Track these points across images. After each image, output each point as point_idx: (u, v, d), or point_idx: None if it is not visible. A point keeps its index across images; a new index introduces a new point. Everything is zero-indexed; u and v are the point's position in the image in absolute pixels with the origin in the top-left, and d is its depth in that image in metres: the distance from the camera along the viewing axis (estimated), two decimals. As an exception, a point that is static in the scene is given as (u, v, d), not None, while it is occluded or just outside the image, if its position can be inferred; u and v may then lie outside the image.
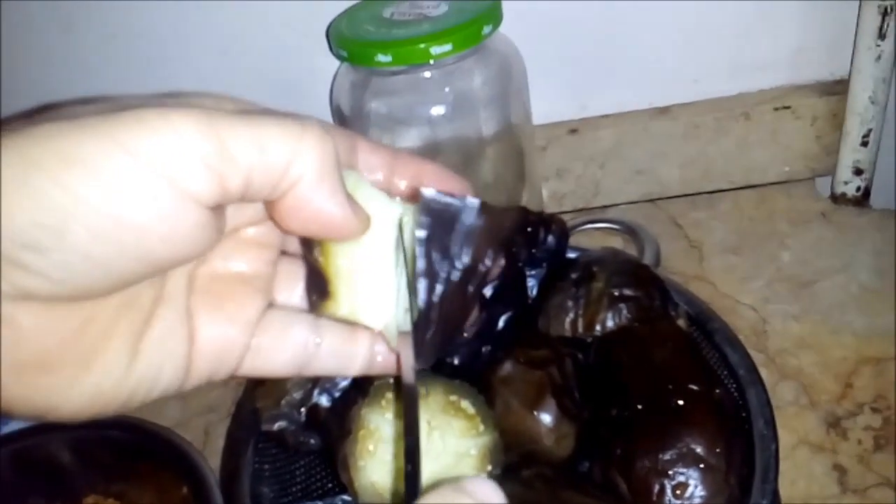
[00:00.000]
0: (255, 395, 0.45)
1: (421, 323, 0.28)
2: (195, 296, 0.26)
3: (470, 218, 0.28)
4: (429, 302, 0.28)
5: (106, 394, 0.23)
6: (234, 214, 0.26)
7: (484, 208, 0.28)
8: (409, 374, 0.28)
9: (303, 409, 0.44)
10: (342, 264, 0.28)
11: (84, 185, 0.20)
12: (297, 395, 0.44)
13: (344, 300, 0.28)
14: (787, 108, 0.71)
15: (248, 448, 0.44)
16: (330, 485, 0.48)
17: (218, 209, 0.23)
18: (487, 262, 0.29)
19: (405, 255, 0.28)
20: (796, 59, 0.71)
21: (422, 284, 0.28)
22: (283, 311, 0.28)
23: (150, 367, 0.24)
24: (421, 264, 0.27)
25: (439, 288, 0.28)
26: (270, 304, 0.28)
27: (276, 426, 0.44)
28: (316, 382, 0.44)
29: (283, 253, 0.30)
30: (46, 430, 0.56)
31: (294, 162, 0.23)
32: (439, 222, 0.27)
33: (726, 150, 0.73)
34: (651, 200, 0.75)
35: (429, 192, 0.27)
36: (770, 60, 0.71)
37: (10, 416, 0.24)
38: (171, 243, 0.22)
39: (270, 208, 0.25)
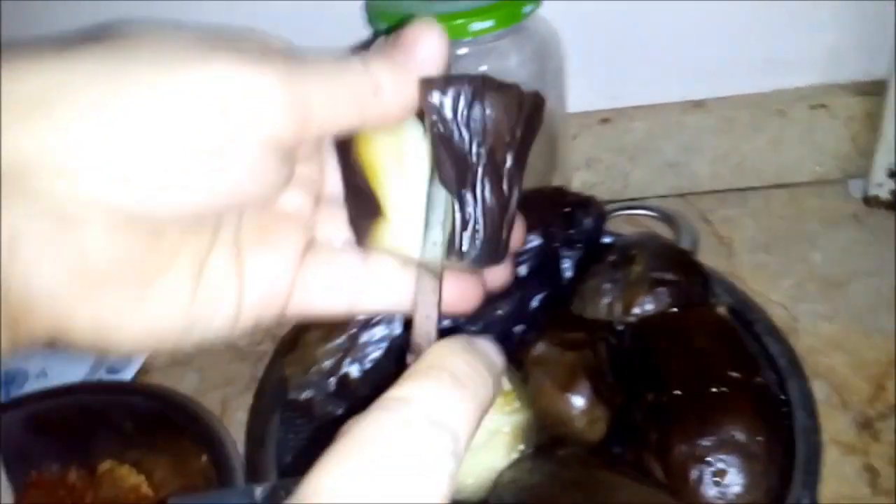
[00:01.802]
0: (283, 362, 0.44)
1: (462, 223, 0.26)
2: (241, 232, 0.26)
3: (477, 104, 0.25)
4: (462, 197, 0.26)
5: (165, 322, 0.23)
6: None
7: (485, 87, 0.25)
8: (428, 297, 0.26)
9: (332, 379, 0.43)
10: (391, 180, 0.27)
11: (172, 112, 0.21)
12: (327, 363, 0.43)
13: (393, 219, 0.27)
14: (823, 106, 0.70)
15: (275, 416, 0.43)
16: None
17: (291, 154, 0.24)
18: (507, 140, 0.26)
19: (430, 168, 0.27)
20: (833, 58, 0.70)
21: (446, 185, 0.26)
22: (328, 248, 0.28)
23: (207, 300, 0.24)
24: (442, 164, 0.26)
25: (472, 181, 0.26)
26: (313, 243, 0.28)
27: (304, 395, 0.43)
28: (347, 352, 0.43)
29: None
30: (65, 393, 0.55)
31: (368, 112, 0.24)
32: (446, 119, 0.25)
33: (759, 146, 0.72)
34: (681, 195, 0.75)
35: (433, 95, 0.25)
36: (806, 58, 0.70)
37: (74, 347, 0.22)
38: (248, 181, 0.23)
39: None
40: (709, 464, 0.38)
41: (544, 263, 0.48)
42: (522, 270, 0.48)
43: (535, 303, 0.48)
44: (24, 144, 0.20)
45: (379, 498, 0.19)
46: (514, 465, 0.41)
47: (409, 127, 0.27)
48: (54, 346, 0.22)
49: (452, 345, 0.24)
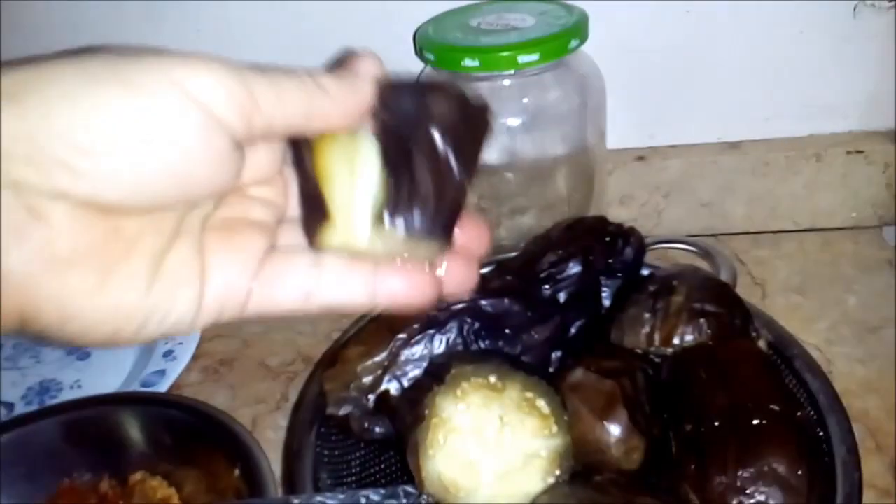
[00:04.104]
0: (323, 377, 0.44)
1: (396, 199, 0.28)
2: (207, 232, 0.28)
3: (420, 99, 0.28)
4: (399, 176, 0.28)
5: (123, 310, 0.25)
6: (244, 171, 0.28)
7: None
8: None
9: (371, 396, 0.44)
10: (338, 184, 0.28)
11: (132, 102, 0.23)
12: (367, 380, 0.44)
13: (340, 222, 0.28)
14: (860, 152, 0.70)
15: (313, 429, 0.44)
16: (384, 480, 0.48)
17: (240, 146, 0.26)
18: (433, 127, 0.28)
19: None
20: (871, 105, 0.71)
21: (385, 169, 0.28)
22: (285, 250, 0.30)
23: (165, 292, 0.26)
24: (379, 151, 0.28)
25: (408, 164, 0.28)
26: (273, 247, 0.30)
27: (343, 411, 0.44)
28: (387, 369, 0.44)
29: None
30: (100, 403, 0.56)
31: (312, 111, 0.27)
32: (392, 109, 0.28)
33: (795, 190, 0.72)
34: (713, 235, 0.75)
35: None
36: (844, 104, 0.71)
37: (39, 335, 0.24)
38: (199, 168, 0.25)
39: None
40: (748, 495, 0.38)
41: (584, 291, 0.48)
42: (562, 297, 0.48)
43: (573, 329, 0.48)
44: None
45: None
46: (549, 490, 0.41)
47: (359, 138, 0.29)
48: (24, 332, 0.24)
49: None
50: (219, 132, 0.25)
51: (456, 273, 0.30)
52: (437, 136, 0.28)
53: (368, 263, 0.29)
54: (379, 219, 0.28)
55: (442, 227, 0.28)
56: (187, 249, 0.27)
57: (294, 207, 0.31)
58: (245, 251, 0.28)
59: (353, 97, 0.27)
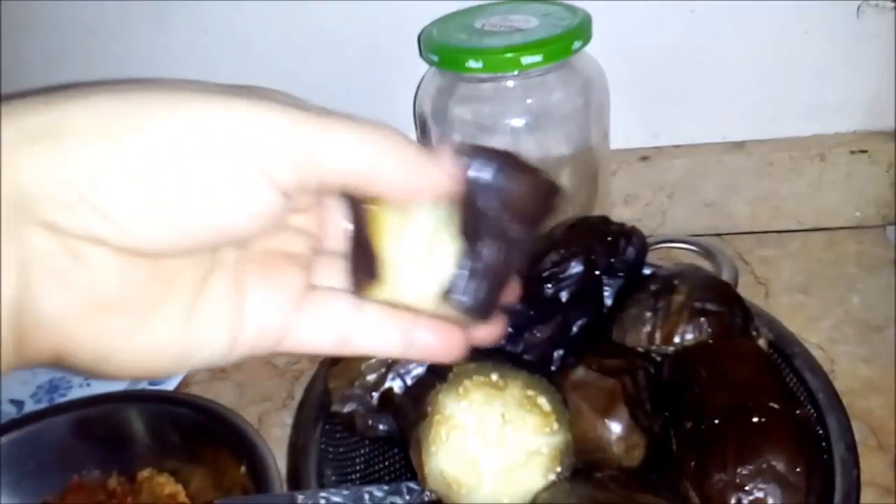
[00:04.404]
0: (328, 374, 0.45)
1: (468, 276, 0.27)
2: (245, 265, 0.27)
3: (500, 175, 0.27)
4: (470, 250, 0.27)
5: (161, 347, 0.24)
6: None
7: (508, 169, 0.27)
8: None
9: (374, 394, 0.44)
10: (395, 245, 0.27)
11: (179, 159, 0.22)
12: (371, 377, 0.44)
13: (391, 282, 0.28)
14: (864, 152, 0.70)
15: (318, 426, 0.44)
16: (388, 477, 0.48)
17: (289, 197, 0.24)
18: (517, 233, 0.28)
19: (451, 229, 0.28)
20: (874, 105, 0.71)
21: (463, 245, 0.27)
22: (324, 290, 0.29)
23: (201, 327, 0.25)
24: (461, 227, 0.27)
25: (483, 248, 0.27)
26: (311, 286, 0.29)
27: (347, 408, 0.44)
28: (390, 367, 0.44)
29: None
30: (109, 401, 0.57)
31: (374, 170, 0.24)
32: (471, 181, 0.27)
33: (799, 189, 0.72)
34: (718, 234, 0.75)
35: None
36: (848, 104, 0.71)
37: (72, 369, 0.24)
38: (244, 219, 0.24)
39: None
40: (747, 492, 0.38)
41: (586, 290, 0.48)
42: (564, 296, 0.48)
43: (575, 328, 0.48)
44: (32, 175, 0.21)
45: None
46: (550, 486, 0.41)
47: (422, 203, 0.28)
48: (57, 366, 0.23)
49: None
50: (268, 188, 0.23)
51: (488, 331, 0.30)
52: (511, 222, 0.27)
53: (408, 314, 0.28)
54: (432, 287, 0.27)
55: (493, 304, 0.28)
56: (224, 284, 0.26)
57: (330, 239, 0.30)
58: (284, 288, 0.27)
59: (424, 179, 0.25)
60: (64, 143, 0.21)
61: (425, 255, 0.28)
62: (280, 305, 0.27)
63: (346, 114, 0.25)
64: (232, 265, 0.26)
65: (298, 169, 0.23)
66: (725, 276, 0.53)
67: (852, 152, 0.71)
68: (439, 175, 0.25)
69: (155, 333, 0.24)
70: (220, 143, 0.22)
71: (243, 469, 0.50)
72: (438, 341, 0.29)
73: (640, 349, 0.48)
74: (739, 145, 0.73)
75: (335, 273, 0.29)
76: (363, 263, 0.28)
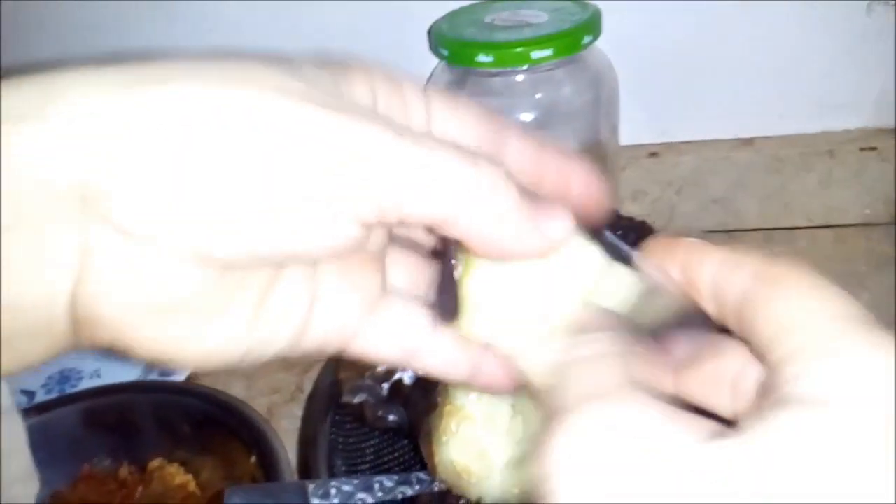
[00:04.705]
0: (338, 365, 0.45)
1: None
2: (322, 262, 0.25)
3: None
4: None
5: (227, 345, 0.23)
6: None
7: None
8: None
9: (385, 384, 0.44)
10: (485, 290, 0.26)
11: (265, 167, 0.21)
12: (381, 368, 0.44)
13: (472, 324, 0.26)
14: (874, 149, 0.70)
15: (328, 417, 0.44)
16: (398, 467, 0.48)
17: (368, 228, 0.23)
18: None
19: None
20: (884, 102, 0.71)
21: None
22: (400, 298, 0.28)
23: (269, 326, 0.24)
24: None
25: None
26: (387, 290, 0.27)
27: (357, 399, 0.44)
28: (401, 358, 0.44)
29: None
30: (120, 391, 0.57)
31: (462, 222, 0.23)
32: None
33: (808, 186, 0.72)
34: (726, 231, 0.75)
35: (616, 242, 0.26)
36: (857, 101, 0.71)
37: (131, 357, 0.23)
38: (319, 249, 0.23)
39: None
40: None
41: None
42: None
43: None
44: (99, 167, 0.20)
45: None
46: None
47: None
48: (112, 352, 0.23)
49: None
50: (350, 222, 0.22)
51: None
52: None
53: (483, 346, 0.27)
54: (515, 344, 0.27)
55: None
56: (296, 281, 0.24)
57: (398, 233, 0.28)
58: (362, 290, 0.26)
59: (518, 243, 0.23)
60: (149, 145, 0.20)
61: (516, 309, 0.26)
62: (355, 308, 0.26)
63: (445, 141, 0.22)
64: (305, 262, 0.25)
65: (384, 209, 0.22)
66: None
67: (862, 149, 0.71)
68: (537, 241, 0.23)
69: (219, 335, 0.23)
70: (318, 164, 0.21)
71: (253, 459, 0.50)
72: (504, 375, 0.28)
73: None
74: (748, 142, 0.73)
75: (404, 268, 0.28)
76: (448, 297, 0.26)
